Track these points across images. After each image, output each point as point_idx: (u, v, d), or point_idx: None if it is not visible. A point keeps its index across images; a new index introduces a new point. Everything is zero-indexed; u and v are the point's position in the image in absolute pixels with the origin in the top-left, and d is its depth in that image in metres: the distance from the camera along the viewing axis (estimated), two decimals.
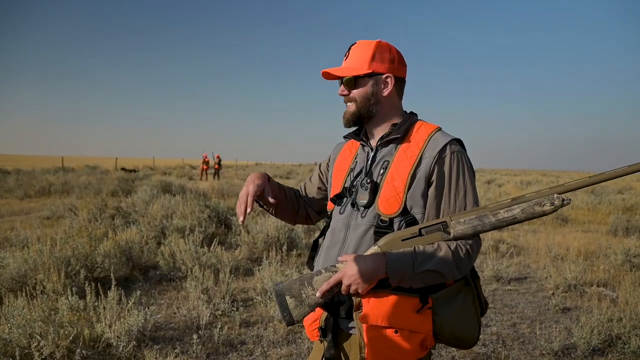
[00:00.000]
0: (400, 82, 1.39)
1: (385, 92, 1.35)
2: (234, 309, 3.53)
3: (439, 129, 1.32)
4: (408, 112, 1.42)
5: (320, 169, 1.60)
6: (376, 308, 1.19)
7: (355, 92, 1.35)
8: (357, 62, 1.34)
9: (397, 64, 1.36)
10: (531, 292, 4.38)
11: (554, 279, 4.44)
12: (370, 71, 1.32)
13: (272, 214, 1.53)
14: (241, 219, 1.27)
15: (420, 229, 1.21)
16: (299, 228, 6.13)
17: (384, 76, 1.34)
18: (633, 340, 2.93)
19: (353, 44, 1.37)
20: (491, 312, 3.81)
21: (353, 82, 1.34)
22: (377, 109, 1.36)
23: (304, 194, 1.61)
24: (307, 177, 1.66)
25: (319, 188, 1.59)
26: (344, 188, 1.38)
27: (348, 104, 1.38)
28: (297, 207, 1.57)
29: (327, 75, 1.40)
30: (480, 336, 3.25)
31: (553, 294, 4.28)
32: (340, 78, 1.37)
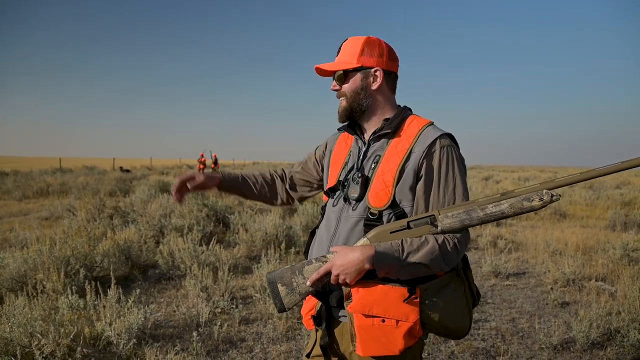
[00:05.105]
0: (391, 77, 1.40)
1: (375, 86, 1.37)
2: (233, 306, 3.54)
3: (431, 124, 1.34)
4: (402, 106, 1.43)
5: (315, 156, 1.62)
6: (364, 297, 1.22)
7: (345, 87, 1.38)
8: (347, 57, 1.37)
9: (386, 58, 1.37)
10: (530, 287, 4.40)
11: (553, 274, 4.45)
12: (358, 65, 1.34)
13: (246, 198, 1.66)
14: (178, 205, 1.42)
15: (408, 222, 1.23)
16: (298, 226, 6.14)
17: (373, 70, 1.36)
18: (632, 334, 2.95)
19: (345, 41, 1.40)
20: (490, 307, 3.83)
21: (343, 77, 1.37)
22: (367, 103, 1.37)
23: (288, 179, 1.66)
24: (299, 163, 1.69)
25: (307, 181, 1.63)
26: (338, 181, 1.41)
27: (340, 99, 1.40)
28: (274, 192, 1.65)
29: (321, 72, 1.43)
30: (480, 331, 3.29)
31: (552, 288, 4.30)
32: (333, 74, 1.39)
